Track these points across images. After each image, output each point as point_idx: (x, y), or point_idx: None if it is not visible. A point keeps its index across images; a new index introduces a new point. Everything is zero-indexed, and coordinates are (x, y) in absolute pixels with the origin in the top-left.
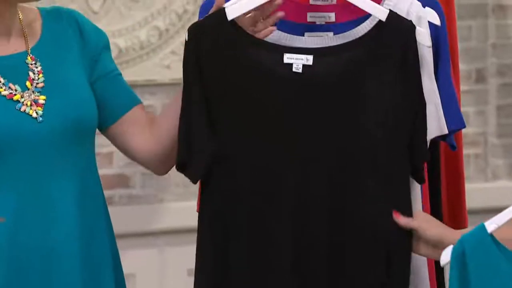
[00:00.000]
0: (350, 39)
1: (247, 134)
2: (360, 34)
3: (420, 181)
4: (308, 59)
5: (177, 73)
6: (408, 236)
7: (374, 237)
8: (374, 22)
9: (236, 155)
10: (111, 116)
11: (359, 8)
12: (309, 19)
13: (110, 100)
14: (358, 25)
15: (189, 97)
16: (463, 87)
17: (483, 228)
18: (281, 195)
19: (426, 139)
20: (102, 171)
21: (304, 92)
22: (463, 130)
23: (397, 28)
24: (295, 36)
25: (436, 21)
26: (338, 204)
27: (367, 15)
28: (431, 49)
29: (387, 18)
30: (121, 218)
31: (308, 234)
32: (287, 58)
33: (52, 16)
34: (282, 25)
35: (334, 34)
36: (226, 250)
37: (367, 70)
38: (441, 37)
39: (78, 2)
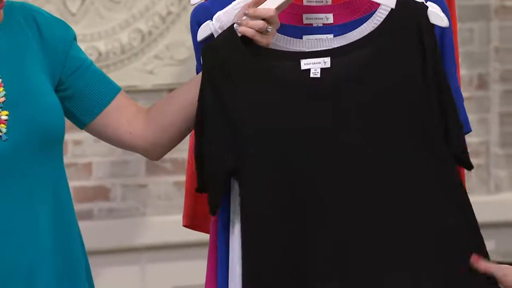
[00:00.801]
0: (356, 39)
1: (272, 149)
2: (367, 32)
3: (468, 167)
4: (326, 62)
5: (160, 78)
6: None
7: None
8: (383, 16)
9: (261, 170)
10: (95, 107)
11: (358, 7)
12: (305, 21)
13: (91, 91)
14: (359, 25)
15: (206, 120)
16: (464, 93)
17: None
18: (308, 207)
19: (459, 124)
20: (80, 183)
21: (327, 97)
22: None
23: (408, 13)
24: (294, 39)
25: (442, 22)
26: (373, 206)
27: (367, 15)
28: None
29: (396, 5)
30: (100, 233)
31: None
32: (304, 64)
33: (5, 15)
34: (280, 28)
35: (334, 36)
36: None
37: (387, 64)
38: (446, 35)
39: (54, 2)
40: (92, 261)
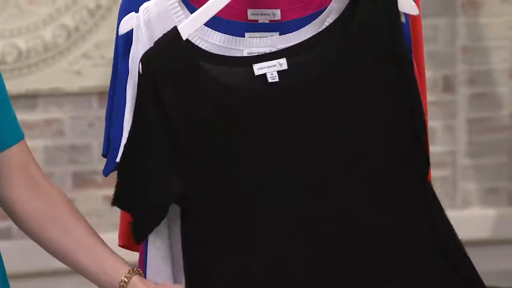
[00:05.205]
0: (305, 37)
1: (229, 169)
2: (320, 28)
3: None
4: (282, 63)
5: (88, 80)
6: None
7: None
8: (341, 9)
9: (213, 195)
10: None
11: (310, 2)
12: (250, 17)
13: None
14: (309, 22)
15: (144, 138)
16: (428, 97)
17: None
18: (271, 230)
19: (425, 125)
20: None
21: (288, 103)
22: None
23: (374, 3)
24: (235, 37)
25: (414, 10)
26: (341, 218)
27: (320, 10)
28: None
29: None
30: (21, 254)
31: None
32: (258, 68)
33: None
34: (219, 25)
35: (280, 35)
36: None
37: (349, 62)
38: (405, 30)
39: None
40: (14, 286)
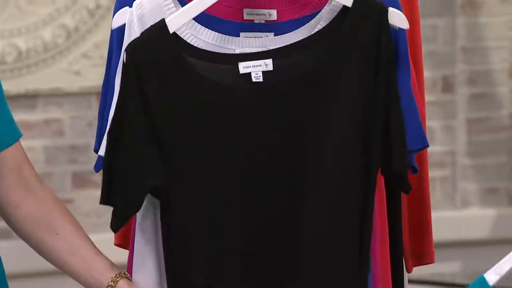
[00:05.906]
0: (299, 38)
1: (209, 166)
2: (312, 31)
3: (406, 190)
4: (268, 64)
5: (88, 80)
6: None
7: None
8: (333, 13)
9: (193, 191)
10: None
11: (306, 3)
12: (246, 17)
13: None
14: (304, 23)
15: (125, 127)
16: (427, 97)
17: (483, 281)
18: (247, 233)
19: (405, 141)
20: None
21: (270, 104)
22: (428, 149)
23: (365, 13)
24: (229, 36)
25: (404, 23)
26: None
27: (315, 12)
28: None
29: (353, 4)
30: (21, 254)
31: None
32: (243, 67)
33: None
34: (214, 23)
35: (275, 35)
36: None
37: (335, 68)
38: (399, 38)
39: None
40: (13, 285)
